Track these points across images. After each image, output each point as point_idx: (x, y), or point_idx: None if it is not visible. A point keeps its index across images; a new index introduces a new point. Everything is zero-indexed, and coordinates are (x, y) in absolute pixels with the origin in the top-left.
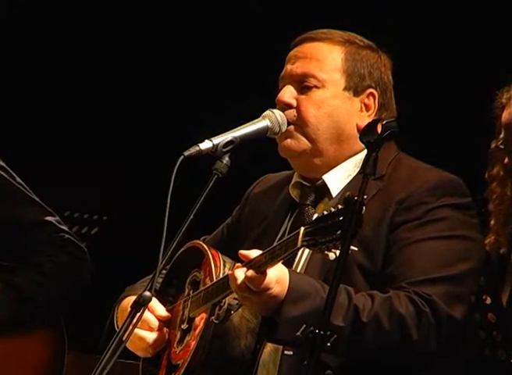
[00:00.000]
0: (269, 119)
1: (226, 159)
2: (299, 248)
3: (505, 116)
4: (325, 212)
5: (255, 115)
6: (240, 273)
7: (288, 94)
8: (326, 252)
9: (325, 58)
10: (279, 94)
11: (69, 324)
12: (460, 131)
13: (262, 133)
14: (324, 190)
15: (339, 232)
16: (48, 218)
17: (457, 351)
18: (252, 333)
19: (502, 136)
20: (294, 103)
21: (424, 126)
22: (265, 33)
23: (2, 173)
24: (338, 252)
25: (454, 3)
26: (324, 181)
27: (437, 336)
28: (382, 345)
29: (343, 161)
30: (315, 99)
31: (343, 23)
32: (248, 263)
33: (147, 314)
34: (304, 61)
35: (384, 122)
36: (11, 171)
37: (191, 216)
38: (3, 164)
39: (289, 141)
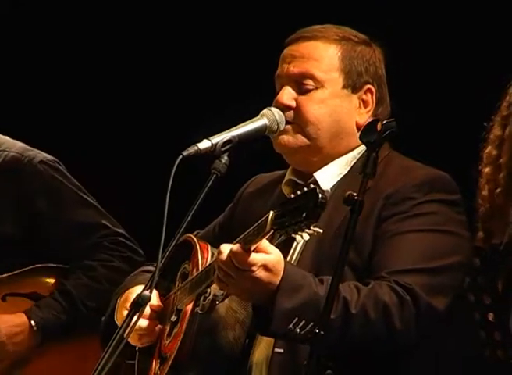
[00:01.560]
0: (267, 118)
1: (225, 158)
2: (268, 232)
3: None
4: (292, 195)
5: (254, 114)
6: (227, 247)
7: (287, 95)
8: (293, 235)
9: (322, 57)
10: (278, 96)
11: None
12: (453, 130)
13: (261, 132)
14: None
15: (304, 214)
16: (103, 221)
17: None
18: (241, 324)
19: None
20: (294, 104)
21: (418, 124)
22: (265, 34)
23: (57, 175)
24: (305, 235)
25: (453, 3)
26: (315, 179)
27: (417, 325)
28: (368, 335)
29: (337, 157)
30: (315, 99)
31: (342, 24)
32: (236, 242)
33: None
34: (302, 60)
35: (384, 122)
36: (66, 173)
37: (190, 216)
38: (59, 166)
39: (285, 137)
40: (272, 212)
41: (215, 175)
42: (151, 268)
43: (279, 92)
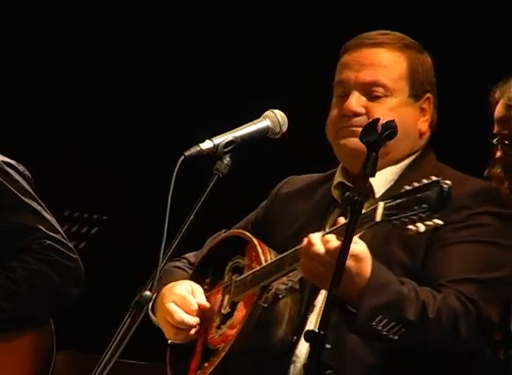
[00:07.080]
0: (270, 120)
1: (227, 159)
2: (377, 223)
3: (497, 110)
4: (408, 187)
5: (256, 115)
6: (316, 238)
7: (356, 102)
8: (409, 226)
9: (392, 65)
10: (347, 103)
11: (66, 323)
12: (463, 132)
13: (263, 134)
14: (368, 191)
15: (425, 205)
16: (38, 225)
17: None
18: (292, 320)
19: (495, 130)
20: (363, 111)
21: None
22: (265, 36)
23: (1, 178)
24: (421, 226)
25: (453, 3)
26: (371, 184)
27: (477, 335)
28: (437, 339)
29: (394, 163)
30: (386, 107)
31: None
32: (326, 233)
33: (190, 297)
34: (372, 68)
35: (384, 121)
36: (16, 176)
37: (192, 216)
38: (7, 169)
39: (356, 140)
40: (381, 203)
41: (216, 176)
42: (178, 263)
43: (340, 98)
